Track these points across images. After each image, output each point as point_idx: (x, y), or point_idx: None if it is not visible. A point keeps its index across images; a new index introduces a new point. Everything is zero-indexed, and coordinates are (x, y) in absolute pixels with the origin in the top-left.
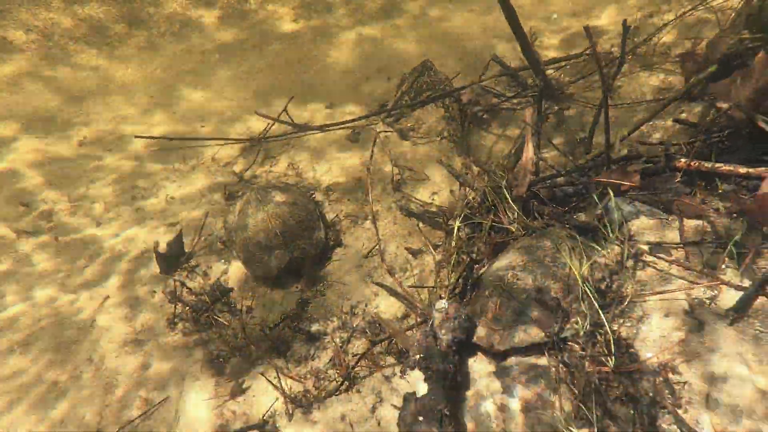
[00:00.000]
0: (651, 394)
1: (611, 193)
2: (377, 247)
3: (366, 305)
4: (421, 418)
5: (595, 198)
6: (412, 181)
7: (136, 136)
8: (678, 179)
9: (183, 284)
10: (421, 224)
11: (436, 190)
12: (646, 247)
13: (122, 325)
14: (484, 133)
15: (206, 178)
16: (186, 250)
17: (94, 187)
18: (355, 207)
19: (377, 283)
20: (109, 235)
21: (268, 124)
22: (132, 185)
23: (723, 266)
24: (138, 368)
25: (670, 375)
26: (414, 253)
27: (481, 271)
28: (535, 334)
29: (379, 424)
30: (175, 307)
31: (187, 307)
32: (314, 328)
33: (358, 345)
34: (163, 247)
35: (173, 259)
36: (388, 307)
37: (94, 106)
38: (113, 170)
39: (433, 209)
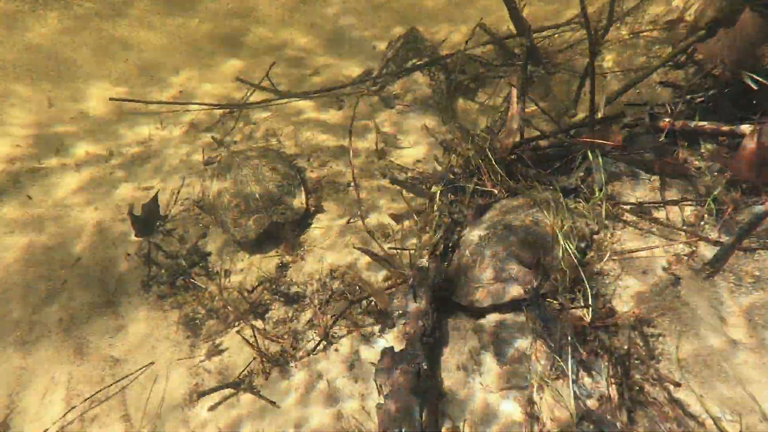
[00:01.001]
0: (626, 347)
1: (593, 154)
2: (359, 212)
3: (346, 270)
4: (397, 371)
5: (578, 159)
6: (396, 149)
7: (111, 99)
8: (661, 139)
9: (159, 247)
10: (404, 191)
11: (420, 157)
12: (626, 207)
13: (95, 287)
14: (470, 102)
15: (184, 142)
16: (162, 214)
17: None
18: (337, 174)
19: (359, 248)
20: (83, 201)
21: (249, 89)
22: (107, 147)
23: (702, 223)
24: (112, 330)
25: (645, 328)
26: (396, 218)
27: (463, 232)
28: (514, 291)
29: (356, 381)
30: (149, 269)
31: (163, 270)
32: (293, 290)
33: (338, 307)
34: (138, 210)
35: (149, 222)
36: (368, 272)
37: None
38: (88, 132)
39: (417, 176)
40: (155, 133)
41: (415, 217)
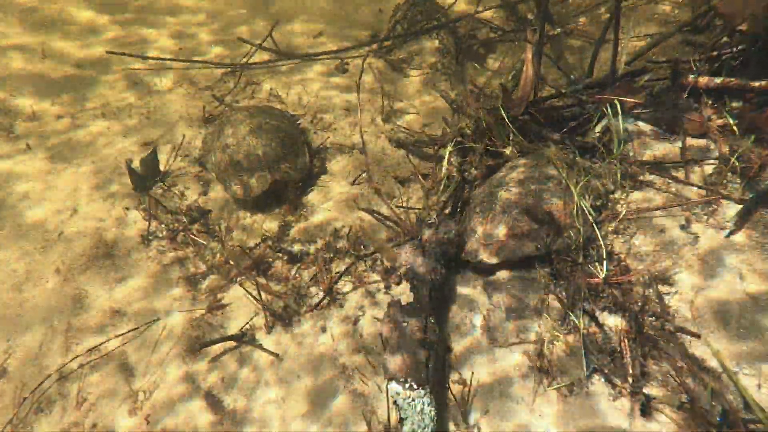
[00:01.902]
0: (640, 304)
1: (609, 112)
2: (365, 173)
3: (351, 230)
4: (405, 324)
5: (596, 117)
6: (402, 113)
7: (108, 52)
8: (684, 97)
9: (158, 202)
10: (410, 156)
11: (427, 122)
12: (645, 167)
13: (92, 239)
14: (478, 67)
15: (184, 99)
16: (161, 170)
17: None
18: (343, 137)
19: (364, 209)
20: (80, 155)
21: (251, 48)
22: (104, 102)
23: (725, 182)
24: (111, 282)
25: (661, 286)
26: (402, 181)
27: (474, 192)
28: (526, 247)
29: (361, 336)
30: (149, 224)
31: (163, 225)
32: (296, 248)
33: (342, 265)
34: (136, 165)
35: (147, 177)
36: (374, 231)
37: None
38: (83, 84)
39: (424, 138)
40: (154, 89)
41: (422, 180)
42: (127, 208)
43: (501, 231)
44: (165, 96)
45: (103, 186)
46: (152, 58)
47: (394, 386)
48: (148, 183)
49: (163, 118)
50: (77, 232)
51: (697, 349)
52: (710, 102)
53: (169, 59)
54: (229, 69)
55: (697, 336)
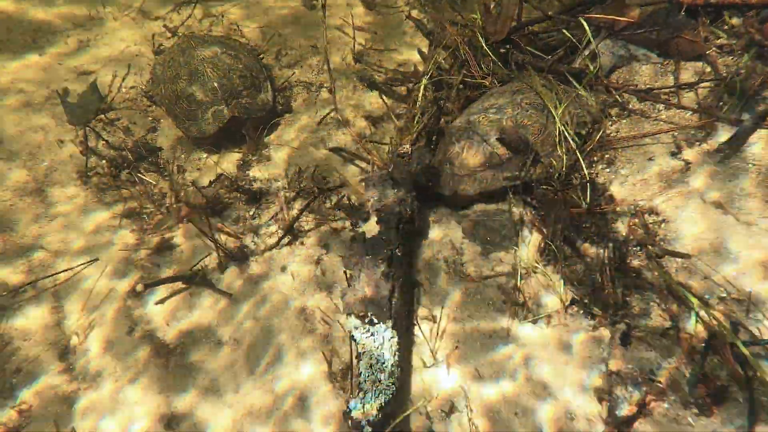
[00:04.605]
0: (624, 234)
1: (589, 32)
2: (333, 111)
3: (316, 169)
4: (368, 257)
5: (585, 40)
6: (375, 52)
7: None
8: (680, 17)
9: (99, 136)
10: (383, 96)
11: (402, 61)
12: (634, 94)
13: (20, 172)
14: (457, 7)
15: (131, 29)
16: (102, 101)
17: None
18: (308, 73)
19: (332, 149)
20: (7, 81)
21: None
22: (35, 28)
23: (720, 104)
24: (42, 219)
25: (647, 216)
26: (374, 120)
27: (450, 123)
28: (504, 177)
29: (324, 274)
30: (86, 159)
31: (104, 161)
32: (256, 186)
33: (305, 205)
34: (73, 97)
35: (85, 109)
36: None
37: None
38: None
39: (398, 77)
40: (96, 15)
41: (395, 119)
42: (62, 140)
43: (477, 160)
44: (110, 24)
45: (34, 115)
46: None
47: (353, 321)
48: (86, 115)
49: (107, 47)
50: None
51: (684, 275)
52: (708, 20)
53: None
54: None
55: (687, 256)
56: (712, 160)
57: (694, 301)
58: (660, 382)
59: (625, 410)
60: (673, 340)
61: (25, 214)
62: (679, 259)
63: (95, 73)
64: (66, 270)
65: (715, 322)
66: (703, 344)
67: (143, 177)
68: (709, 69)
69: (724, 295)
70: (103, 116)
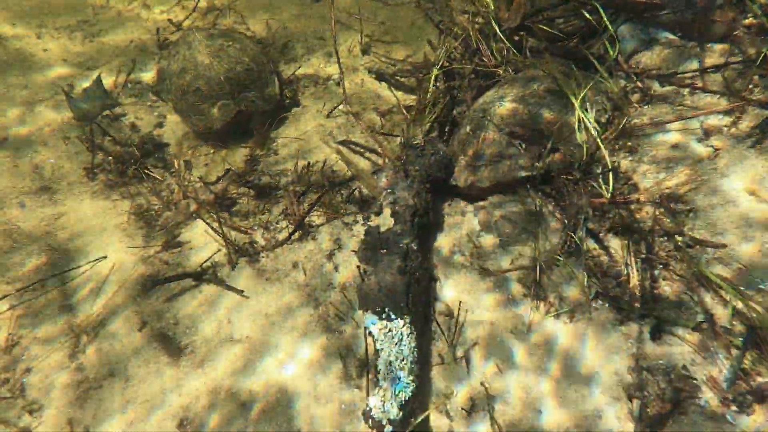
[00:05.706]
0: (650, 224)
1: (605, 17)
2: (343, 103)
3: (325, 163)
4: (383, 251)
5: (603, 25)
6: (383, 43)
7: None
8: None
9: (106, 133)
10: (392, 88)
11: (410, 53)
12: (657, 79)
13: (26, 170)
14: None
15: (135, 24)
16: (108, 97)
17: None
18: (316, 66)
19: (341, 142)
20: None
21: None
22: (38, 22)
23: (750, 86)
24: (48, 218)
25: (673, 205)
26: (383, 114)
27: (464, 112)
28: (520, 167)
29: (336, 269)
30: (93, 156)
31: (111, 158)
32: (264, 180)
33: (315, 199)
34: (78, 92)
35: (92, 105)
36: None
37: None
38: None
39: (408, 67)
40: (99, 10)
41: (405, 112)
42: (68, 137)
43: (492, 151)
44: (113, 19)
45: (39, 112)
46: None
47: (369, 316)
48: (92, 112)
49: (110, 42)
50: (7, 158)
51: (714, 266)
52: (734, 0)
53: None
54: None
55: (723, 246)
56: (743, 146)
57: (732, 292)
58: (695, 378)
59: (657, 408)
60: (707, 335)
61: (32, 212)
62: (710, 249)
63: (99, 68)
64: (74, 268)
65: (754, 314)
66: (741, 338)
67: (150, 173)
68: (737, 52)
69: (763, 286)
70: (108, 111)
